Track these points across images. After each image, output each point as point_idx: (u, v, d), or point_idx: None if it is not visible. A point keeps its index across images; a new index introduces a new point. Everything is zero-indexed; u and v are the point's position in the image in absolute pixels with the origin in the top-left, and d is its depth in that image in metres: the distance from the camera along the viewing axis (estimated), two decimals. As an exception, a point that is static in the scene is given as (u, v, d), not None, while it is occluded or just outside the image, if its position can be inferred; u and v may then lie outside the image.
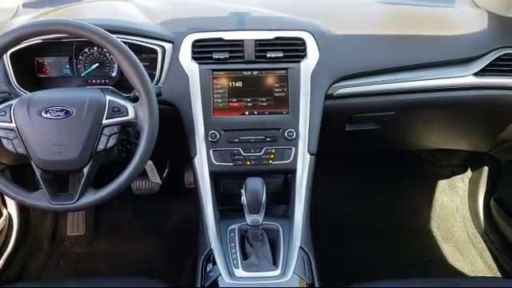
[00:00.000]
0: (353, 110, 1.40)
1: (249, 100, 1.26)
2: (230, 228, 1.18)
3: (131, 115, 1.06)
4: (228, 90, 1.25)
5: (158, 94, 1.11)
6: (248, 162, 1.24)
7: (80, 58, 1.35)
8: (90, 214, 2.05)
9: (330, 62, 1.28)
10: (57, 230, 2.02)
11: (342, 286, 1.15)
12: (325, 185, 1.97)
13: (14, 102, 1.06)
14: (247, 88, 1.26)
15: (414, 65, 1.34)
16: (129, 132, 1.23)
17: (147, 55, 1.28)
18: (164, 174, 2.00)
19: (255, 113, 1.26)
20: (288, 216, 1.24)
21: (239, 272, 1.09)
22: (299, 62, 1.26)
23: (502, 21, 1.41)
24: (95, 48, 1.35)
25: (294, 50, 1.26)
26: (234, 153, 1.24)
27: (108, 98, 1.07)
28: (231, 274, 1.08)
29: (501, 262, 1.87)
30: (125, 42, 1.08)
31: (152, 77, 1.22)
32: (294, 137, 1.24)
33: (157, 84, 1.25)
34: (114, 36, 1.05)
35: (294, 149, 1.24)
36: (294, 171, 1.25)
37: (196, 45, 1.25)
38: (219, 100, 1.25)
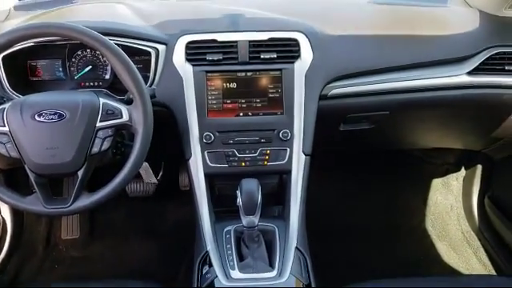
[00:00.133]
0: (347, 110, 1.40)
1: (243, 101, 1.26)
2: (225, 230, 1.18)
3: (125, 118, 1.06)
4: (222, 91, 1.25)
5: (152, 96, 1.11)
6: (243, 164, 1.24)
7: (73, 60, 1.34)
8: (84, 217, 2.03)
9: (324, 62, 1.28)
10: (51, 233, 2.01)
11: (338, 285, 1.15)
12: (319, 184, 1.97)
13: (6, 105, 1.05)
14: (241, 89, 1.25)
15: (407, 64, 1.34)
16: (123, 134, 1.22)
17: (141, 57, 1.28)
18: (158, 177, 1.99)
19: (250, 114, 1.26)
20: (284, 217, 1.24)
21: (235, 273, 1.09)
22: (293, 62, 1.26)
23: (493, 20, 1.42)
24: (88, 50, 1.35)
25: (287, 50, 1.26)
26: (229, 154, 1.24)
27: (102, 100, 1.07)
28: (227, 276, 1.08)
29: (495, 259, 1.88)
30: (118, 44, 1.08)
31: (146, 79, 1.22)
32: (288, 137, 1.24)
33: (151, 86, 1.25)
34: (106, 38, 1.04)
35: (288, 149, 1.24)
36: (289, 172, 1.25)
37: (190, 46, 1.25)
38: (213, 101, 1.25)
